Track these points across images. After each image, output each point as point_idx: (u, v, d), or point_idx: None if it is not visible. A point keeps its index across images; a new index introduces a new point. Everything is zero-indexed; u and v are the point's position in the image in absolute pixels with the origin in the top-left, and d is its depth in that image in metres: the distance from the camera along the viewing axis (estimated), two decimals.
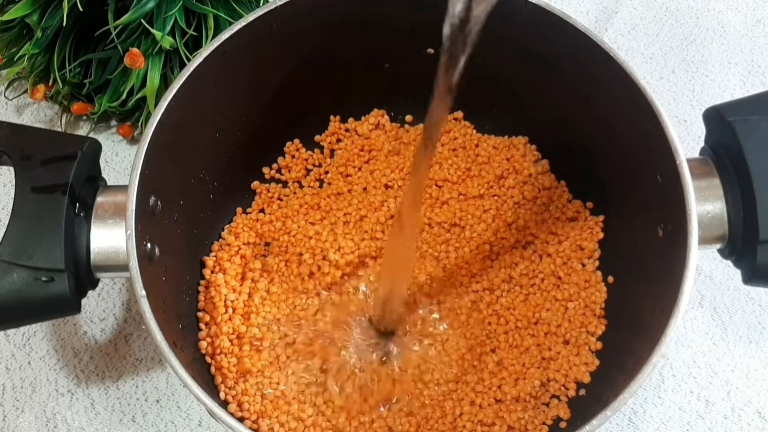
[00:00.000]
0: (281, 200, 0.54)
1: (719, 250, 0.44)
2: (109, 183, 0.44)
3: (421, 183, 0.40)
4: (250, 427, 0.36)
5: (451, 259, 0.51)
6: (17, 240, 0.39)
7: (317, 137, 0.56)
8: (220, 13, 0.52)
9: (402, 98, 0.55)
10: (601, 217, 0.51)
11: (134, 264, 0.39)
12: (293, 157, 0.56)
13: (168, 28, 0.51)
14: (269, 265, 0.51)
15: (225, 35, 0.44)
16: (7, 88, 0.60)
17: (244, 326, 0.48)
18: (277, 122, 0.54)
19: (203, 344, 0.47)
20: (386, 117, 0.57)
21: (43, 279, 0.39)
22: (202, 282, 0.50)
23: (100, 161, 0.45)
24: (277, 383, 0.47)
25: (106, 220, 0.41)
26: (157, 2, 0.50)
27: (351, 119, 0.56)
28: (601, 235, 0.51)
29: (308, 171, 0.56)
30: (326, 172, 0.55)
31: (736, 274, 0.43)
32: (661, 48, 0.64)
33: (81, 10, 0.50)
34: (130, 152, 0.59)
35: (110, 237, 0.41)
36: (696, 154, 0.45)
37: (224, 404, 0.44)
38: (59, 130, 0.59)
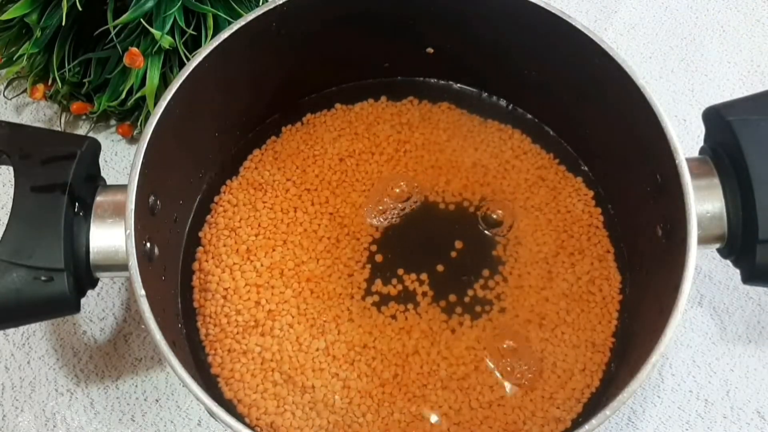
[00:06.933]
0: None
1: (718, 250, 0.44)
2: (108, 182, 0.45)
3: None
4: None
5: None
6: (17, 239, 0.39)
7: None
8: (219, 13, 0.52)
9: (402, 98, 0.56)
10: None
11: (134, 263, 0.39)
12: None
13: (167, 27, 0.51)
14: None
15: (224, 35, 0.44)
16: (6, 88, 0.60)
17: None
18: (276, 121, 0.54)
19: (201, 331, 0.47)
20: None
21: (43, 278, 0.39)
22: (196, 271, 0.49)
23: (100, 160, 0.45)
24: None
25: (105, 220, 0.41)
26: (156, 2, 0.50)
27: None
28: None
29: None
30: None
31: (736, 273, 0.43)
32: (661, 47, 0.64)
33: (80, 9, 0.50)
34: (130, 151, 0.59)
35: (110, 236, 0.41)
36: (695, 154, 0.45)
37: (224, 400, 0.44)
38: (58, 129, 0.59)
